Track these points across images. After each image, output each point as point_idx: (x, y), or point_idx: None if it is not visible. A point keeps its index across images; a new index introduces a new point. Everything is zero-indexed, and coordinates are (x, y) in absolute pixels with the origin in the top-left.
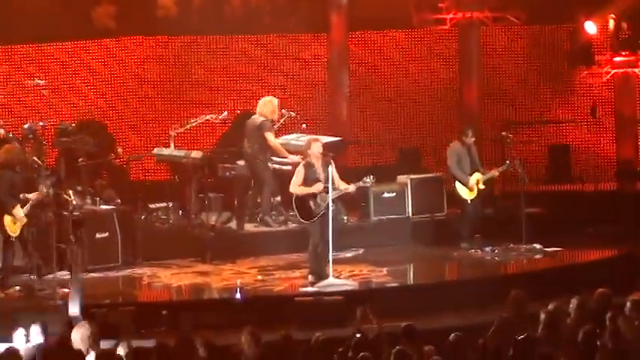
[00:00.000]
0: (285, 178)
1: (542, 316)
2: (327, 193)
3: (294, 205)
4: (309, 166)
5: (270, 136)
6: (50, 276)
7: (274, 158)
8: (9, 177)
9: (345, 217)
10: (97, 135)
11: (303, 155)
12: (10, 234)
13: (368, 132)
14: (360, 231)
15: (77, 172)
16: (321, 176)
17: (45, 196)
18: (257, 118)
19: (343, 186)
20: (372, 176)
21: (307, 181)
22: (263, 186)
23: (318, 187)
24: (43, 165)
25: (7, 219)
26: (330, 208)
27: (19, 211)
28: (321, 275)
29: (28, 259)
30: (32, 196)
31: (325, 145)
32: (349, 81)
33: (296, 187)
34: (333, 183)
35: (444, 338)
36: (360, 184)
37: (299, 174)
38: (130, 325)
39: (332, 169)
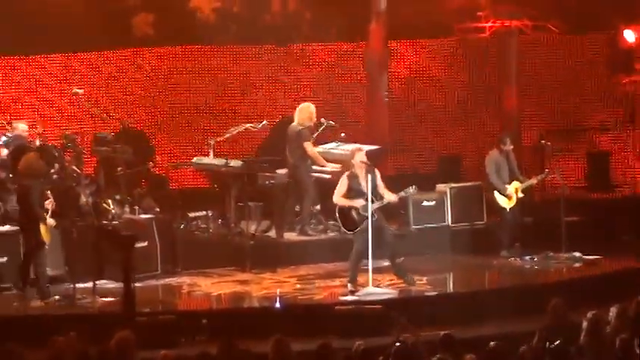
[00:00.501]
0: (324, 186)
1: (585, 324)
2: (370, 203)
3: (337, 216)
4: (352, 177)
5: (308, 146)
6: (89, 284)
7: (315, 167)
8: (37, 187)
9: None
10: (135, 144)
11: (343, 164)
12: (46, 242)
13: (407, 140)
14: (400, 239)
15: (116, 181)
16: (364, 186)
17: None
18: (296, 127)
19: (388, 195)
20: (414, 186)
21: (351, 191)
22: (304, 195)
23: (359, 202)
24: (83, 174)
25: (42, 228)
26: (370, 219)
27: (49, 220)
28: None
29: (67, 267)
30: (47, 204)
31: (365, 154)
32: (388, 89)
33: (339, 198)
34: (378, 192)
35: (484, 347)
36: (403, 194)
37: (342, 184)
38: None
39: (378, 179)
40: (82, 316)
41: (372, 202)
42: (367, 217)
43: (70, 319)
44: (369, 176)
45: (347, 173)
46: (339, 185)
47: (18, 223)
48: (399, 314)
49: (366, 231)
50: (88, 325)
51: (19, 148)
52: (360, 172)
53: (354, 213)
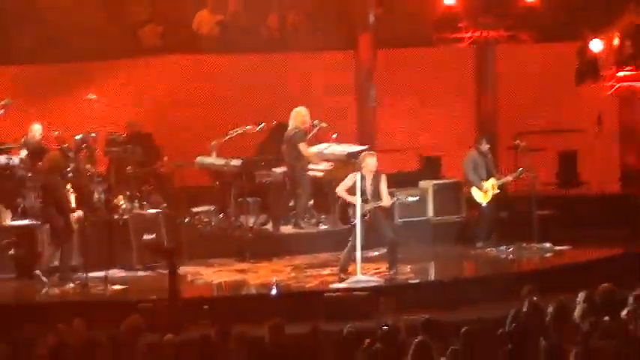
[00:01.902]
0: (317, 183)
1: (550, 308)
2: (366, 203)
3: (337, 208)
4: (360, 178)
5: (302, 146)
6: (101, 274)
7: (310, 166)
8: (63, 181)
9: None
10: (144, 145)
11: (334, 163)
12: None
13: (393, 141)
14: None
15: (126, 179)
16: (368, 189)
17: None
18: (291, 130)
19: (385, 199)
20: (409, 197)
21: (354, 189)
22: (299, 192)
23: (355, 199)
24: (95, 172)
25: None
26: (361, 218)
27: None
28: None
29: (82, 258)
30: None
31: (354, 154)
32: (376, 94)
33: (343, 192)
34: (380, 194)
35: (463, 330)
36: (395, 200)
37: (349, 180)
38: None
39: (383, 183)
40: (94, 303)
41: (367, 202)
42: (361, 215)
43: (84, 305)
44: (370, 179)
45: (357, 174)
46: (346, 180)
47: (46, 216)
48: (387, 299)
49: (362, 226)
50: (101, 310)
51: (37, 149)
52: (368, 175)
53: (350, 210)
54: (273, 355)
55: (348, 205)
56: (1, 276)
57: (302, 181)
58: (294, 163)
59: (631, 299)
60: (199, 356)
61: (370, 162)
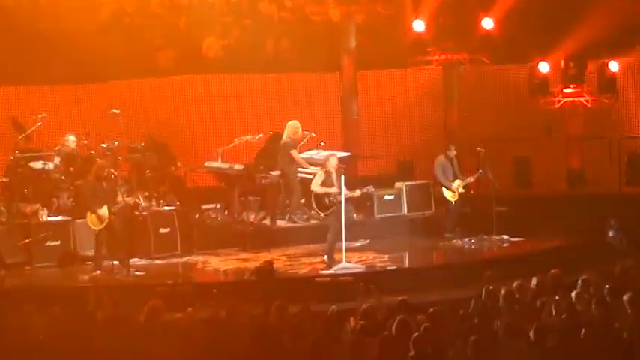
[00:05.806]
0: (308, 184)
1: (502, 292)
2: (340, 194)
3: (313, 201)
4: (327, 174)
5: (293, 153)
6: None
7: (300, 169)
8: (92, 186)
9: (355, 215)
10: (159, 152)
11: (322, 167)
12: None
13: (373, 149)
14: (367, 225)
15: (145, 182)
16: (335, 183)
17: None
18: (284, 140)
19: (350, 191)
20: (371, 186)
21: (324, 184)
22: (292, 192)
23: (334, 189)
24: (119, 176)
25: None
26: (343, 208)
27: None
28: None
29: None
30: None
31: (340, 159)
32: (357, 109)
33: (316, 187)
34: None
35: (432, 309)
36: (365, 190)
37: (319, 177)
38: None
39: (342, 180)
40: (119, 287)
41: (338, 194)
42: (336, 203)
43: (111, 288)
44: (341, 176)
45: (323, 170)
46: (316, 177)
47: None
48: (369, 284)
49: (336, 215)
50: (124, 293)
51: (69, 156)
52: (333, 171)
53: (326, 199)
54: (274, 331)
55: (323, 196)
56: (41, 264)
57: (293, 183)
58: (286, 168)
59: (580, 282)
60: (210, 332)
61: (333, 161)
